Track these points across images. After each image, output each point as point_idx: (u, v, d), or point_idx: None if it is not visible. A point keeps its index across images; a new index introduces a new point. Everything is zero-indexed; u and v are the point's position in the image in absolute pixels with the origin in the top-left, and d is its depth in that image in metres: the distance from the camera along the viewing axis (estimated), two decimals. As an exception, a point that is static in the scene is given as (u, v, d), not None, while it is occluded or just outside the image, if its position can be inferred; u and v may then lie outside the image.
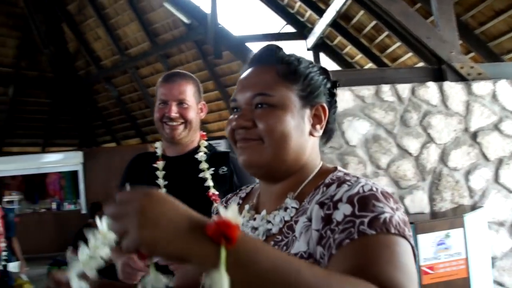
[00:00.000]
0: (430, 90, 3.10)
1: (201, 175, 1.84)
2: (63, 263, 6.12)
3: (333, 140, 2.88)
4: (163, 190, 1.78)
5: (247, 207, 1.03)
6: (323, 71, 1.01)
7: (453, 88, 3.12)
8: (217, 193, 1.79)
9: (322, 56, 8.19)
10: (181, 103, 1.86)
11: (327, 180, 0.91)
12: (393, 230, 0.73)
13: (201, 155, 1.89)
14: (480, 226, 2.85)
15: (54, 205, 10.71)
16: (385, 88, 3.03)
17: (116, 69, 10.61)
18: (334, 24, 7.05)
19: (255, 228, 0.96)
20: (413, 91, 3.08)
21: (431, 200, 3.07)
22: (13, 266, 4.43)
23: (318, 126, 0.97)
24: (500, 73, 3.24)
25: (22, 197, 10.80)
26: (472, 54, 5.63)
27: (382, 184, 2.92)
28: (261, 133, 0.92)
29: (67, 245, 5.54)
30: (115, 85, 11.16)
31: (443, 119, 3.10)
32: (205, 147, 1.93)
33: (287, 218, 0.92)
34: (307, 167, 0.96)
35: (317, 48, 7.92)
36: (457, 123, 3.11)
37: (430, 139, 3.09)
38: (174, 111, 1.83)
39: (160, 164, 1.88)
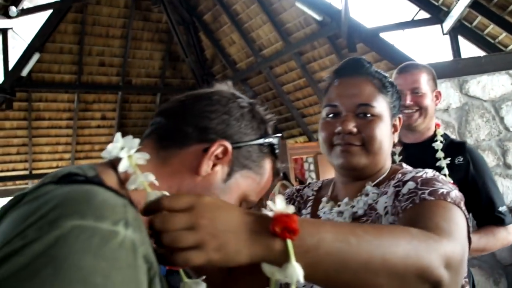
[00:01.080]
0: None
1: (437, 164, 1.88)
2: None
3: (492, 127, 2.88)
4: None
5: (325, 199, 1.18)
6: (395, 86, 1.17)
7: None
8: (452, 181, 1.75)
9: (461, 39, 7.84)
10: (416, 91, 1.92)
11: (403, 172, 1.11)
12: (449, 200, 0.90)
13: (437, 144, 1.93)
14: None
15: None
16: (546, 70, 2.94)
17: (251, 70, 11.12)
18: (473, 4, 6.74)
19: (341, 213, 1.11)
20: None
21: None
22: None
23: (396, 134, 1.16)
24: None
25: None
26: None
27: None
28: (364, 140, 1.07)
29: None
30: (250, 85, 11.71)
31: None
32: (441, 135, 1.96)
33: (370, 201, 1.09)
34: (384, 168, 1.14)
35: (454, 32, 7.62)
36: None
37: None
38: (409, 99, 1.90)
39: (397, 149, 1.93)
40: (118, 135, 0.76)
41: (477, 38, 7.98)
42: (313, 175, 10.91)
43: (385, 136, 1.10)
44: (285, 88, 10.87)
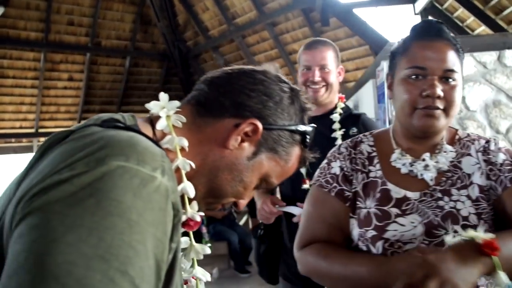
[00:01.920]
0: (555, 55, 3.09)
1: (332, 135, 1.95)
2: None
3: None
4: None
5: (398, 151, 1.24)
6: None
7: None
8: None
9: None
10: (323, 68, 1.99)
11: (462, 136, 1.27)
12: None
13: (335, 116, 1.99)
14: None
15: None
16: (509, 54, 3.07)
17: (223, 38, 11.04)
18: (445, -13, 6.86)
19: (427, 166, 1.20)
20: (537, 56, 3.09)
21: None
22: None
23: None
24: None
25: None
26: None
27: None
28: (446, 105, 1.13)
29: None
30: (222, 53, 11.65)
31: None
32: (341, 108, 2.03)
33: (450, 159, 1.21)
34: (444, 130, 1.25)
35: (425, 12, 7.74)
36: None
37: (553, 104, 3.10)
38: (317, 76, 1.96)
39: None
40: (163, 94, 0.83)
41: (446, 20, 8.14)
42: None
43: (460, 101, 1.18)
44: (256, 58, 10.85)
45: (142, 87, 12.45)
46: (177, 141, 0.79)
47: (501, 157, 1.20)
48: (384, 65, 3.05)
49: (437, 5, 8.03)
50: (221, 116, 0.82)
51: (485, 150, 1.22)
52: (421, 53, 1.15)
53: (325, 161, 1.34)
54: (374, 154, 1.27)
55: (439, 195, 1.17)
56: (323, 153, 1.87)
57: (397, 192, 1.18)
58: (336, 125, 1.97)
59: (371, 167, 1.25)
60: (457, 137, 1.27)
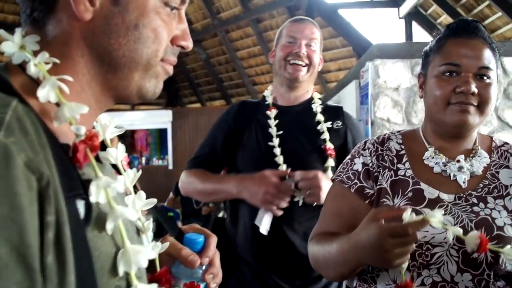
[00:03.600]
0: (536, 64, 3.12)
1: (318, 127, 1.77)
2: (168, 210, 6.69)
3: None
4: (276, 140, 1.73)
5: (432, 149, 1.21)
6: None
7: (560, 63, 3.12)
8: (333, 147, 1.74)
9: (414, 25, 8.05)
10: (310, 44, 1.76)
11: (498, 144, 1.25)
12: None
13: (317, 106, 1.82)
14: None
15: (143, 160, 11.44)
16: (491, 61, 3.09)
17: (206, 32, 10.96)
18: (430, -8, 6.92)
19: (461, 168, 1.17)
20: (519, 65, 3.12)
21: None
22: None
23: None
24: None
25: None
26: None
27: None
28: (480, 102, 1.12)
29: (156, 195, 6.08)
30: (204, 48, 11.56)
31: (548, 93, 3.12)
32: (319, 99, 1.85)
33: (485, 164, 1.19)
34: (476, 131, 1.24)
35: (409, 17, 7.81)
36: (562, 99, 3.13)
37: (532, 113, 3.13)
38: (304, 49, 1.73)
39: (273, 112, 1.79)
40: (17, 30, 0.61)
41: (429, 26, 8.22)
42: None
43: (495, 99, 1.16)
44: (238, 54, 10.81)
45: (122, 77, 12.26)
46: (51, 85, 0.57)
47: None
48: (369, 65, 3.04)
49: (421, 10, 8.10)
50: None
51: None
52: (456, 50, 1.15)
53: (349, 156, 1.31)
54: (403, 152, 1.24)
55: (475, 200, 1.14)
56: (308, 147, 1.74)
57: (430, 192, 1.16)
58: (320, 117, 1.79)
59: (399, 165, 1.22)
60: (493, 144, 1.25)
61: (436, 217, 0.94)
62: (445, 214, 1.10)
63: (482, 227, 1.07)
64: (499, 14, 6.35)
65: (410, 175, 1.19)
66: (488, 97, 1.12)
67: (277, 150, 1.72)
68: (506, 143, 1.26)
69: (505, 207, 1.13)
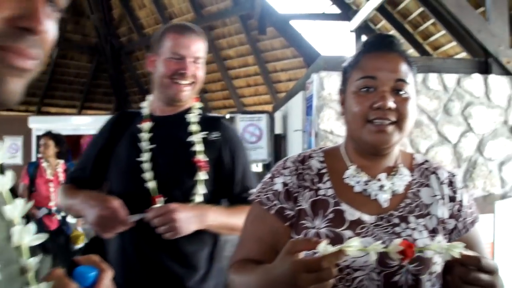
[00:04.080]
0: (474, 82, 3.21)
1: (189, 139, 1.64)
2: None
3: (378, 122, 3.08)
4: (147, 155, 1.62)
5: (353, 168, 1.16)
6: None
7: (497, 82, 3.23)
8: (206, 159, 1.62)
9: (364, 39, 8.23)
10: (196, 62, 1.64)
11: (419, 161, 1.22)
12: None
13: (192, 116, 1.68)
14: (508, 214, 3.00)
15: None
16: (432, 77, 3.16)
17: (158, 37, 10.82)
18: (379, 8, 7.09)
19: (382, 187, 1.13)
20: (458, 82, 3.20)
21: (464, 186, 3.23)
22: (71, 218, 4.70)
23: None
24: (546, 70, 3.33)
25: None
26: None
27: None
28: (399, 117, 1.07)
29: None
30: (156, 53, 11.40)
31: (485, 110, 3.22)
32: (199, 108, 1.73)
33: (406, 183, 1.16)
34: (397, 148, 1.20)
35: (359, 30, 7.96)
36: (498, 116, 3.23)
37: (470, 129, 3.22)
38: (190, 69, 1.60)
39: (145, 125, 1.66)
40: None
41: (378, 41, 8.42)
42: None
43: (414, 115, 1.11)
44: (191, 61, 10.71)
45: (69, 80, 11.93)
46: None
47: (465, 197, 1.19)
48: (314, 77, 3.05)
49: (371, 25, 8.29)
50: None
51: (451, 184, 1.19)
52: (372, 64, 1.11)
53: (268, 175, 1.23)
54: (325, 170, 1.19)
55: (396, 220, 1.11)
56: (177, 158, 1.62)
57: (351, 213, 1.11)
58: (194, 128, 1.66)
59: (320, 185, 1.16)
60: (414, 162, 1.22)
61: (353, 246, 0.88)
62: (365, 236, 1.07)
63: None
64: (443, 32, 6.57)
65: (331, 195, 1.14)
66: (406, 112, 1.08)
67: (146, 165, 1.60)
68: (427, 160, 1.24)
69: (426, 227, 1.11)
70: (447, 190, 1.18)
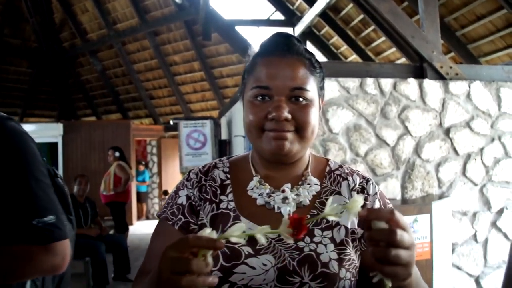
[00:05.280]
0: (410, 86, 3.31)
1: None
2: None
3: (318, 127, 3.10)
4: None
5: (256, 179, 1.07)
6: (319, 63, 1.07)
7: (431, 86, 3.34)
8: None
9: (309, 44, 8.36)
10: None
11: (333, 167, 1.12)
12: None
13: None
14: (445, 214, 3.10)
15: (31, 175, 10.66)
16: (369, 81, 3.23)
17: (102, 43, 10.59)
18: (323, 14, 7.22)
19: (286, 198, 1.03)
20: (394, 86, 3.29)
21: (403, 188, 3.31)
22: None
23: None
24: (476, 74, 3.47)
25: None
26: (452, 54, 5.89)
27: (360, 170, 3.14)
28: (298, 126, 0.99)
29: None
30: (100, 59, 11.14)
31: (420, 113, 3.32)
32: None
33: (313, 193, 1.06)
34: (307, 153, 1.11)
35: (304, 36, 8.08)
36: (433, 118, 3.34)
37: (407, 132, 3.31)
38: None
39: None
40: None
41: (323, 46, 8.58)
42: (155, 158, 10.76)
43: (317, 120, 1.03)
44: (135, 67, 10.54)
45: (8, 87, 11.44)
46: None
47: (377, 204, 1.08)
48: (254, 82, 3.05)
49: (315, 31, 8.43)
50: None
51: (362, 191, 1.09)
52: (265, 72, 1.01)
53: (174, 189, 1.14)
54: (228, 182, 1.09)
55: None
56: None
57: (251, 228, 0.99)
58: None
59: (222, 197, 1.07)
60: (327, 169, 1.12)
61: (236, 231, 0.77)
62: (265, 253, 0.97)
63: (305, 265, 0.95)
64: (383, 38, 6.76)
65: (232, 208, 1.05)
66: (306, 121, 1.00)
67: None
68: (341, 166, 1.14)
69: (333, 240, 1.00)
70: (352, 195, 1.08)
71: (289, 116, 0.98)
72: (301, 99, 1.00)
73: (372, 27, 6.82)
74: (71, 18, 10.63)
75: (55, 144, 10.44)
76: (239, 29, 7.46)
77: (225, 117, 4.91)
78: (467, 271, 3.35)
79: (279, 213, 1.02)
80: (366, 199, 1.07)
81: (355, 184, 1.09)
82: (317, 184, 1.08)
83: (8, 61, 11.13)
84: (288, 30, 8.27)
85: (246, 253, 0.96)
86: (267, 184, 1.06)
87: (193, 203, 1.07)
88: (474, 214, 3.38)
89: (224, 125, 4.98)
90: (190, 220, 1.06)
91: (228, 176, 1.11)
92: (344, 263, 0.98)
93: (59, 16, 10.95)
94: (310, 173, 1.09)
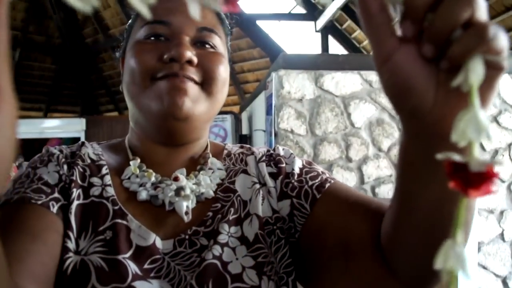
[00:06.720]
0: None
1: None
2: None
3: (340, 121, 3.03)
4: None
5: (133, 163, 0.77)
6: None
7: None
8: None
9: (330, 38, 8.26)
10: None
11: (233, 150, 0.87)
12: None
13: None
14: (472, 211, 3.01)
15: (55, 170, 10.85)
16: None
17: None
18: (345, 8, 7.11)
19: (181, 189, 0.74)
20: (418, 79, 3.20)
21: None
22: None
23: None
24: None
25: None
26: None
27: (383, 165, 3.07)
28: (205, 77, 0.74)
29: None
30: (122, 54, 11.22)
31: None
32: None
33: (218, 180, 0.79)
34: (206, 134, 0.84)
35: (325, 30, 8.00)
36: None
37: (431, 127, 3.22)
38: None
39: None
40: None
41: (345, 40, 8.47)
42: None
43: (228, 79, 0.78)
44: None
45: (33, 83, 11.61)
46: None
47: (298, 164, 0.80)
48: (274, 76, 2.99)
49: (337, 24, 8.33)
50: None
51: (272, 158, 0.81)
52: (164, 5, 0.74)
53: (27, 169, 0.77)
54: (103, 162, 0.78)
55: (204, 241, 0.71)
56: None
57: (142, 235, 0.69)
58: None
59: (94, 179, 0.75)
60: (225, 152, 0.85)
61: None
62: (156, 276, 0.67)
63: (209, 281, 0.66)
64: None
65: (110, 197, 0.73)
66: (215, 69, 0.74)
67: None
68: (242, 146, 0.88)
69: (243, 239, 0.72)
70: (267, 169, 0.80)
71: (195, 59, 0.72)
72: (209, 46, 0.75)
73: (395, 20, 6.69)
74: (93, 14, 10.71)
75: (78, 139, 10.55)
76: (260, 23, 7.42)
77: (246, 112, 4.87)
78: (493, 271, 3.24)
79: (174, 212, 0.73)
80: (276, 165, 0.80)
81: (262, 155, 0.83)
82: (221, 169, 0.80)
83: (32, 58, 11.29)
84: (310, 24, 8.20)
85: (133, 273, 0.66)
86: (150, 170, 0.76)
87: (65, 185, 0.73)
88: (501, 212, 3.27)
89: (245, 120, 4.94)
90: (59, 197, 0.71)
91: (102, 157, 0.80)
92: (265, 269, 0.70)
93: (82, 13, 11.05)
94: (211, 155, 0.82)
